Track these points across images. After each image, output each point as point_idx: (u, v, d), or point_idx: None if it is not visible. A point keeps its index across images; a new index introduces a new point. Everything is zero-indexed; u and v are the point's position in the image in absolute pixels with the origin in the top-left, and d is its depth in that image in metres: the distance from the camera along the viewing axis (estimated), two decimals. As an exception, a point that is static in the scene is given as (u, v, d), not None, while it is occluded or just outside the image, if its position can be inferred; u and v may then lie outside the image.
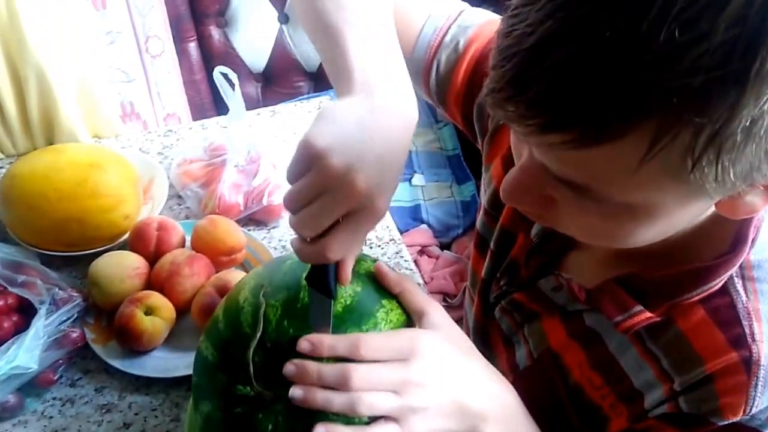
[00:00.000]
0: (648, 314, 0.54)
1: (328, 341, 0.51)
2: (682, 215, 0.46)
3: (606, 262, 0.60)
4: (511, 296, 0.67)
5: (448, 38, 0.68)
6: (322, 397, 0.50)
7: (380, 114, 0.50)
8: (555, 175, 0.44)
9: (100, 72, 1.15)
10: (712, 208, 0.49)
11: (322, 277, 0.53)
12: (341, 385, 0.50)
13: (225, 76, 1.00)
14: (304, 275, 0.55)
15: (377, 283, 0.60)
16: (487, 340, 0.73)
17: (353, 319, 0.56)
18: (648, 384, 0.55)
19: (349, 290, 0.57)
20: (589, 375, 0.60)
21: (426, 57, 0.70)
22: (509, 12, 0.41)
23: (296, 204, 0.49)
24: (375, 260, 0.62)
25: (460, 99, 0.70)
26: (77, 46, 1.07)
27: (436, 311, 0.57)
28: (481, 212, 0.73)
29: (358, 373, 0.49)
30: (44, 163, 0.89)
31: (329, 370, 0.50)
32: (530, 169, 0.46)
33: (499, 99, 0.41)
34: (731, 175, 0.39)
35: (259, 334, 0.55)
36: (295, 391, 0.50)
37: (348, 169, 0.47)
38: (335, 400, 0.50)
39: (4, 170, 1.03)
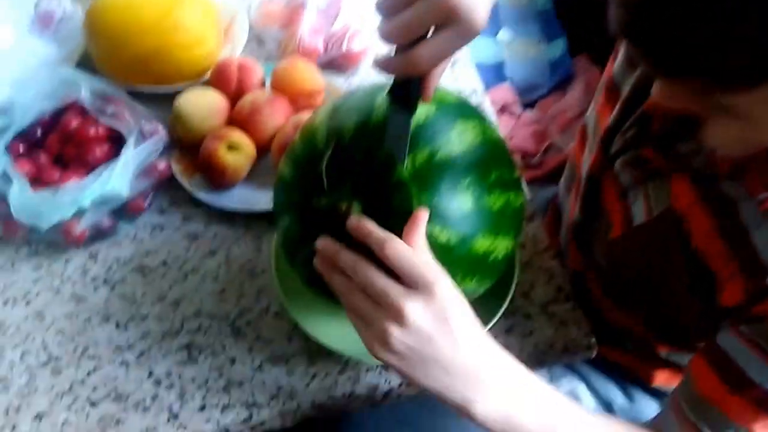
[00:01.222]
0: None
1: (367, 228, 0.52)
2: None
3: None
4: (638, 151, 0.64)
5: None
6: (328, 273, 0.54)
7: None
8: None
9: None
10: None
11: (405, 90, 0.53)
12: (350, 273, 0.52)
13: None
14: (386, 90, 0.55)
15: (453, 106, 0.59)
16: (599, 192, 0.71)
17: (427, 135, 0.56)
18: None
19: (424, 109, 0.57)
20: (713, 241, 0.57)
21: None
22: None
23: (389, 9, 0.48)
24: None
25: None
26: None
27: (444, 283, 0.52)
28: (620, 57, 0.69)
29: (364, 271, 0.51)
30: (127, -5, 0.88)
31: (346, 257, 0.52)
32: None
33: (622, 37, 0.41)
34: None
35: (332, 147, 0.56)
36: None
37: None
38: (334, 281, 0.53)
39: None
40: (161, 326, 0.78)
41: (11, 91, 0.86)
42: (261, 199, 0.84)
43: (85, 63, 0.96)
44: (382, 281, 0.50)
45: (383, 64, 0.51)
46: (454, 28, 0.47)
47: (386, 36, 0.48)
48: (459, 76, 1.00)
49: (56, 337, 0.77)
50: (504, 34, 1.47)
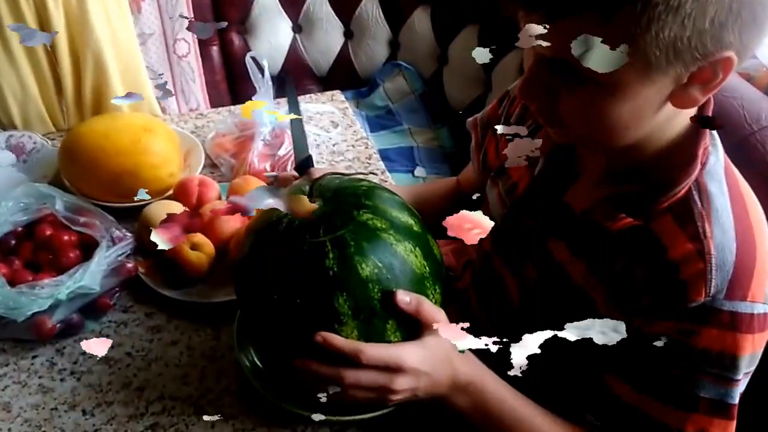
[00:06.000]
0: (629, 219, 0.68)
1: (337, 343, 0.65)
2: (646, 96, 0.59)
3: (599, 184, 0.74)
4: (519, 222, 0.83)
5: None
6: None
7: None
8: (548, 63, 0.61)
9: (142, 61, 1.30)
10: (672, 134, 0.66)
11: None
12: (337, 379, 0.66)
13: (254, 60, 1.16)
14: None
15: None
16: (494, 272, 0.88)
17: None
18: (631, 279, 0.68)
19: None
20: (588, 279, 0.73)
21: None
22: None
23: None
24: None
25: None
26: (125, 34, 1.22)
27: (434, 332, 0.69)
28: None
29: (349, 376, 0.66)
30: (104, 125, 1.03)
31: (326, 370, 0.66)
32: (533, 67, 0.63)
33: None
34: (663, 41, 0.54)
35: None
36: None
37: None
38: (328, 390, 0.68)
39: (57, 142, 1.17)
40: (127, 410, 0.83)
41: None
42: (219, 293, 0.94)
43: (56, 184, 1.07)
44: (368, 376, 0.66)
45: None
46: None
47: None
48: (387, 192, 1.18)
49: (22, 427, 0.81)
50: (420, 171, 1.70)
